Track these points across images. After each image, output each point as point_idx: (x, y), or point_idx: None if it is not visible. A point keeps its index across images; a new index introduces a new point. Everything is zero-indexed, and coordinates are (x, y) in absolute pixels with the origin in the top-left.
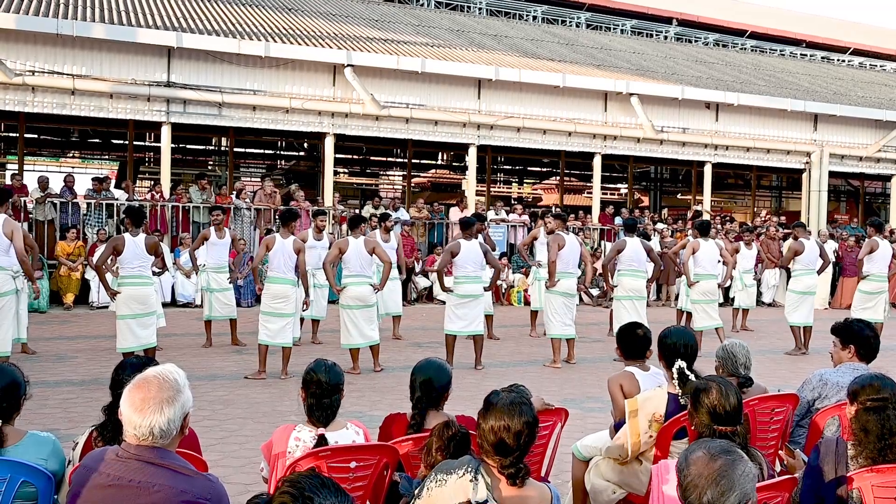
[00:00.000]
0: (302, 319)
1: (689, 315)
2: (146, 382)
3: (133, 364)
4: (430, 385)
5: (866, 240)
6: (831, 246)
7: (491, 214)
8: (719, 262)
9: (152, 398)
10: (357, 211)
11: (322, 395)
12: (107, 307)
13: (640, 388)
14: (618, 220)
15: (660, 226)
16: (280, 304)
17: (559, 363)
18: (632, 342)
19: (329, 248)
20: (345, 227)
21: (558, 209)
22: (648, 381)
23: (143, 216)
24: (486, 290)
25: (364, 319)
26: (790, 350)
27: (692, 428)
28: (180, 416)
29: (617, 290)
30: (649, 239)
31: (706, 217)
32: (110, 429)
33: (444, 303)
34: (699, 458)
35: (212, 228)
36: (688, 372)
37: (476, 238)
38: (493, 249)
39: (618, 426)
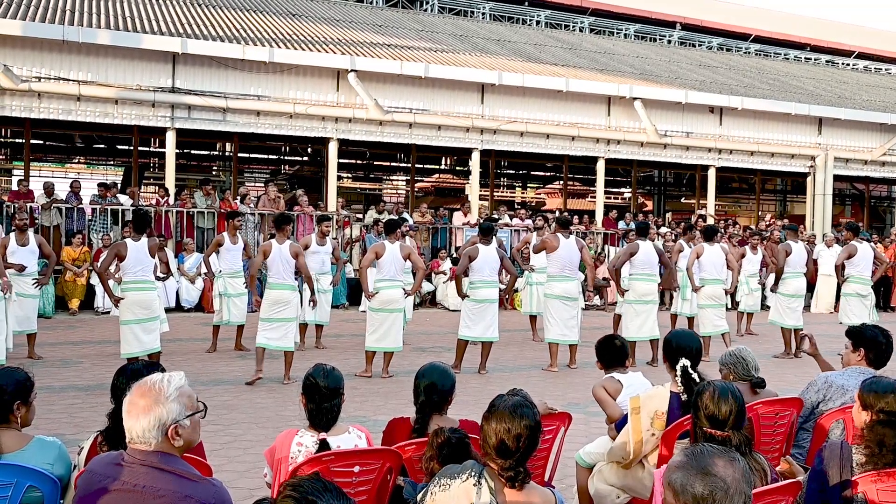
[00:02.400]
0: (305, 325)
1: (690, 319)
2: (138, 387)
3: (131, 370)
4: (433, 389)
5: (845, 244)
6: (836, 250)
7: None
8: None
9: (134, 404)
10: (361, 216)
11: (322, 399)
12: (109, 312)
13: (623, 385)
14: (621, 224)
15: (663, 230)
16: (280, 309)
17: (556, 367)
18: (611, 353)
19: (332, 252)
20: (347, 231)
21: (565, 214)
22: (629, 379)
23: (147, 222)
24: (504, 294)
25: (390, 324)
26: (779, 354)
27: (691, 429)
28: (156, 427)
29: (628, 295)
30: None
31: (710, 221)
32: (115, 434)
33: (447, 308)
34: (726, 465)
35: (225, 234)
36: (691, 371)
37: (493, 243)
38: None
39: (619, 426)
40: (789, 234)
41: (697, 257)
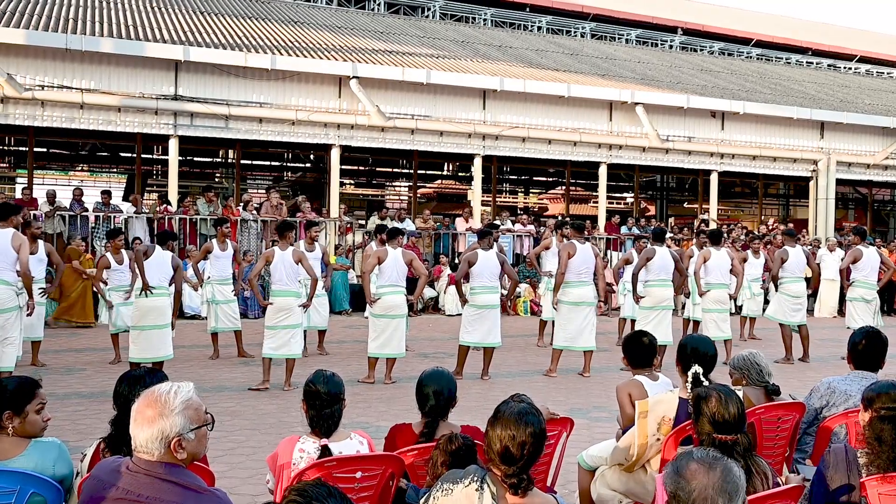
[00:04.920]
0: (306, 330)
1: (696, 323)
2: (146, 396)
3: (132, 376)
4: (440, 394)
5: (850, 248)
6: (839, 254)
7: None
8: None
9: (140, 412)
10: (363, 222)
11: (322, 406)
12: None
13: (649, 394)
14: (623, 229)
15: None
16: (285, 316)
17: (555, 372)
18: (638, 351)
19: (322, 258)
20: (349, 237)
21: (577, 219)
22: (657, 390)
23: (168, 238)
24: (505, 299)
25: (393, 330)
26: (780, 359)
27: (695, 435)
28: (158, 439)
29: (645, 301)
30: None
31: (713, 226)
32: (118, 441)
33: (449, 314)
34: (697, 471)
35: (214, 241)
36: (703, 378)
37: (493, 248)
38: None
39: (626, 430)
40: (787, 239)
41: (704, 261)
